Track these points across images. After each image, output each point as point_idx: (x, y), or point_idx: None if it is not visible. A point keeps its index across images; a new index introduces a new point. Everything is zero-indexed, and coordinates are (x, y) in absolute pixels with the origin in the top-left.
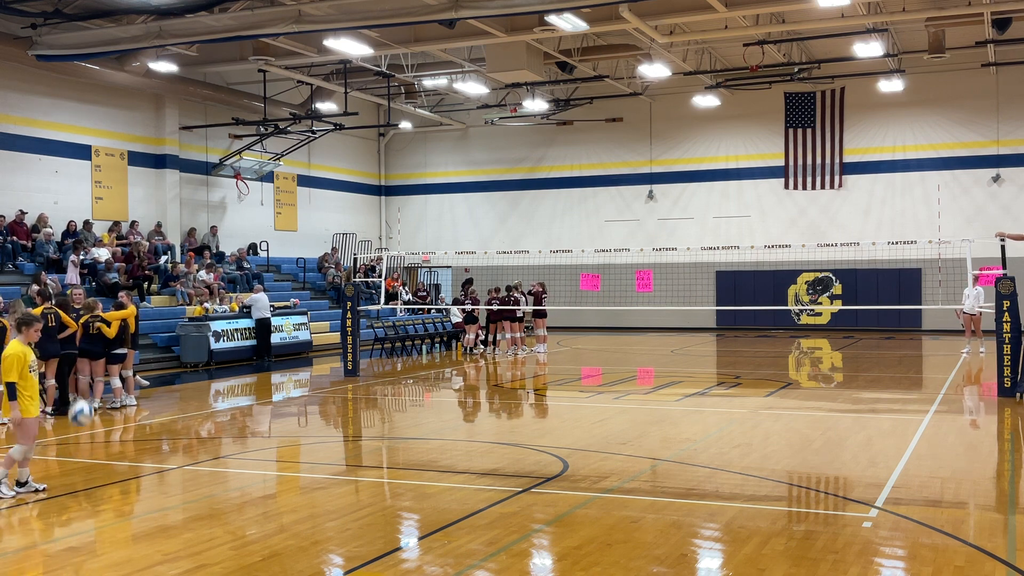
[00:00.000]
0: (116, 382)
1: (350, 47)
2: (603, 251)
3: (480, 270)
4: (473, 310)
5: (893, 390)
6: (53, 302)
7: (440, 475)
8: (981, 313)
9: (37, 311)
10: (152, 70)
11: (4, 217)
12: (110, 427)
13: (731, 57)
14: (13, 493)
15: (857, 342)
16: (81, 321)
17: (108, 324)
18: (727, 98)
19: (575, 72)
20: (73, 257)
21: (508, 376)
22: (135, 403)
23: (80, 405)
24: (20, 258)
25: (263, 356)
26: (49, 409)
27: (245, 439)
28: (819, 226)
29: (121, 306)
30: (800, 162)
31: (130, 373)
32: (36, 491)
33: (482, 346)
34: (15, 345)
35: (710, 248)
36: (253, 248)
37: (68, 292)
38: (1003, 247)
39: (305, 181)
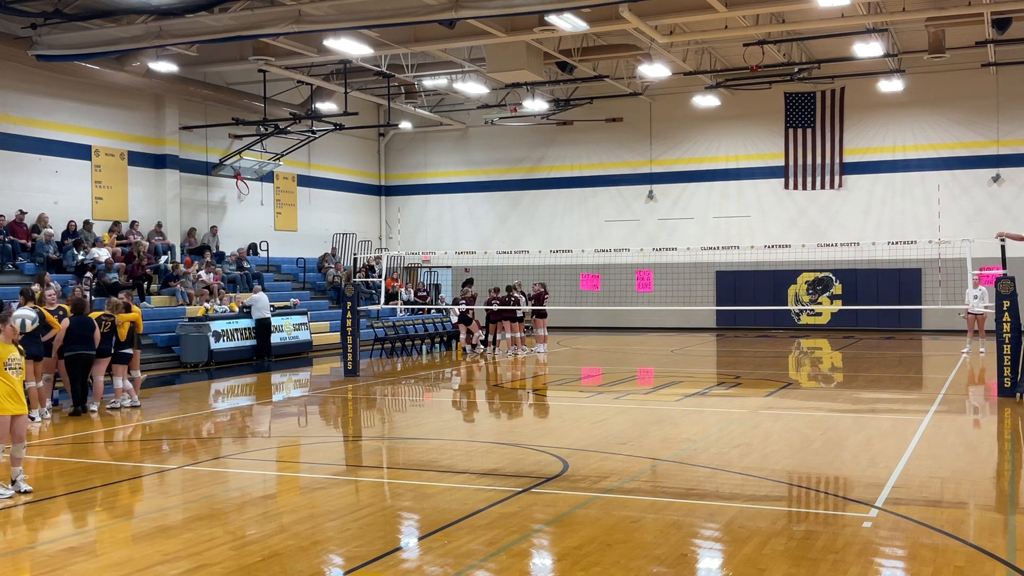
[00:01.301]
0: (119, 382)
1: (350, 47)
2: (603, 251)
3: (480, 270)
4: (467, 310)
5: (893, 390)
6: (66, 303)
7: (440, 475)
8: (986, 313)
9: None
10: (152, 70)
11: (4, 217)
12: (110, 427)
13: (731, 57)
14: (11, 492)
15: (857, 342)
16: (96, 316)
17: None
18: (727, 98)
19: (575, 72)
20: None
21: (508, 376)
22: (139, 403)
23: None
24: (20, 258)
25: (263, 356)
26: (45, 411)
27: (245, 439)
28: (819, 226)
29: (127, 307)
30: (800, 162)
31: (138, 373)
32: (22, 492)
33: (482, 346)
34: None
35: (710, 248)
36: (253, 248)
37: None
38: (1003, 247)
39: (305, 181)
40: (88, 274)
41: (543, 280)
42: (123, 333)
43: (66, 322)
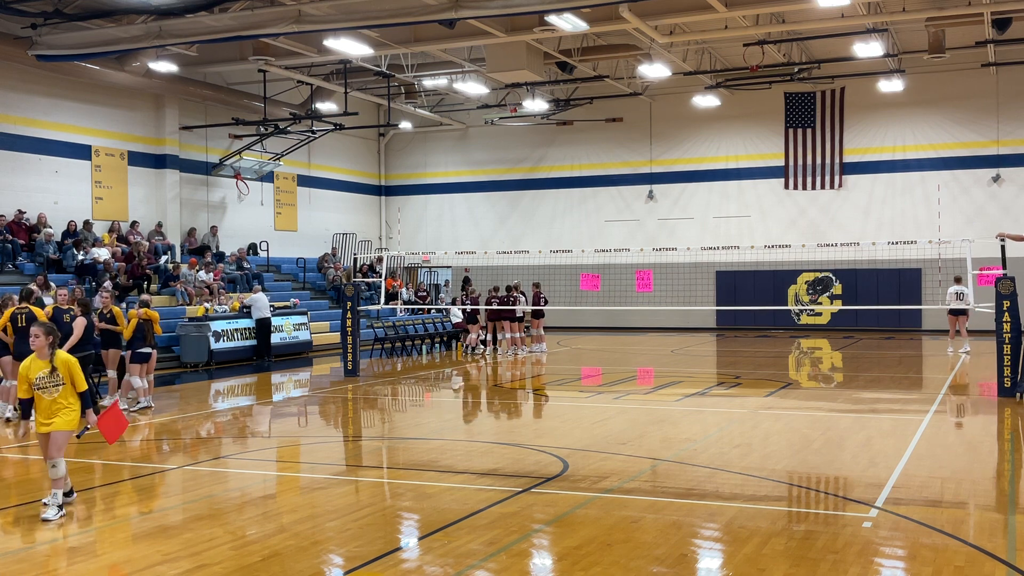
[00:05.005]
0: (137, 381)
1: (350, 47)
2: (603, 251)
3: (480, 270)
4: (473, 310)
5: (893, 390)
6: (77, 302)
7: (440, 475)
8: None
9: (8, 312)
10: (152, 70)
11: (4, 217)
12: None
13: (731, 57)
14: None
15: (857, 342)
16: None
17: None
18: (727, 98)
19: (575, 72)
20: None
21: (508, 376)
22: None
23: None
24: (20, 258)
25: (263, 356)
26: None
27: (245, 439)
28: (819, 226)
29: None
30: (800, 162)
31: (113, 373)
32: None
33: (482, 346)
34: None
35: (710, 248)
36: (253, 248)
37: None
38: (1003, 247)
39: (305, 181)
40: (106, 282)
41: (539, 281)
42: (129, 331)
43: (82, 321)
